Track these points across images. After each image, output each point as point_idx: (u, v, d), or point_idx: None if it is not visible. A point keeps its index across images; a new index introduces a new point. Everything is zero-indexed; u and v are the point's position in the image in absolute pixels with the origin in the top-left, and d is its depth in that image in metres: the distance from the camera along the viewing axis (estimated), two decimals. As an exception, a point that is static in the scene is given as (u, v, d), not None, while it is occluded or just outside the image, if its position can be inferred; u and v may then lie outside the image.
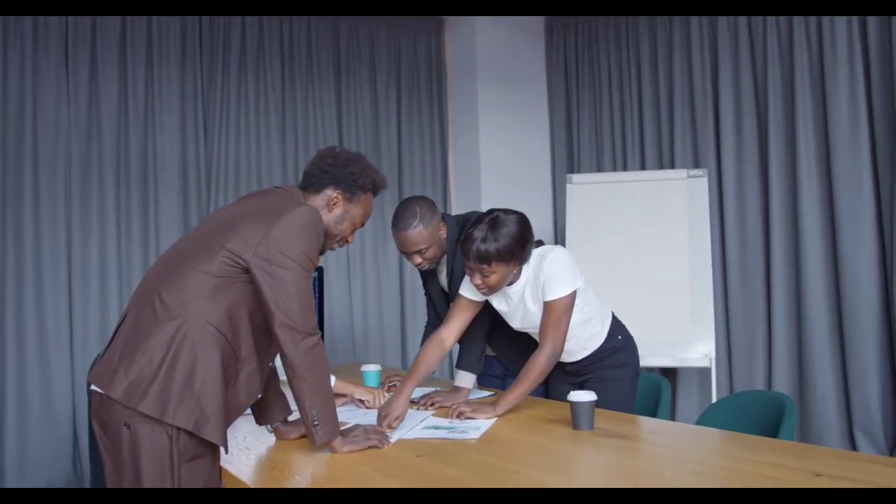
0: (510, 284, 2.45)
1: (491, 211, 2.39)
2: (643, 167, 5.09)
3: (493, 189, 5.34)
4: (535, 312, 2.45)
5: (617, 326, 2.66)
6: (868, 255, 3.95)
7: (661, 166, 4.97)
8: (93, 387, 1.74)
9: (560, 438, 2.07)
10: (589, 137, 5.47)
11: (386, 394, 2.65)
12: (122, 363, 1.68)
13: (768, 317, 4.41)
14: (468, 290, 2.54)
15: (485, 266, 2.30)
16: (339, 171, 2.00)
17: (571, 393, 2.16)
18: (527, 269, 2.44)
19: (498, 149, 5.46)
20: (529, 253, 2.41)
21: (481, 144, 5.40)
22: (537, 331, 2.51)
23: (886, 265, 3.90)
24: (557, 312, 2.38)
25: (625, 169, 5.21)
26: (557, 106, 5.70)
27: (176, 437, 1.66)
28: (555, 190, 5.71)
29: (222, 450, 1.79)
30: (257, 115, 4.95)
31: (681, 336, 4.25)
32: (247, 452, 2.02)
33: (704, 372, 4.61)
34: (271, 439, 2.14)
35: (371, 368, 3.04)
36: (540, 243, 2.51)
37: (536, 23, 5.78)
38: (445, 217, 2.76)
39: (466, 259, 2.33)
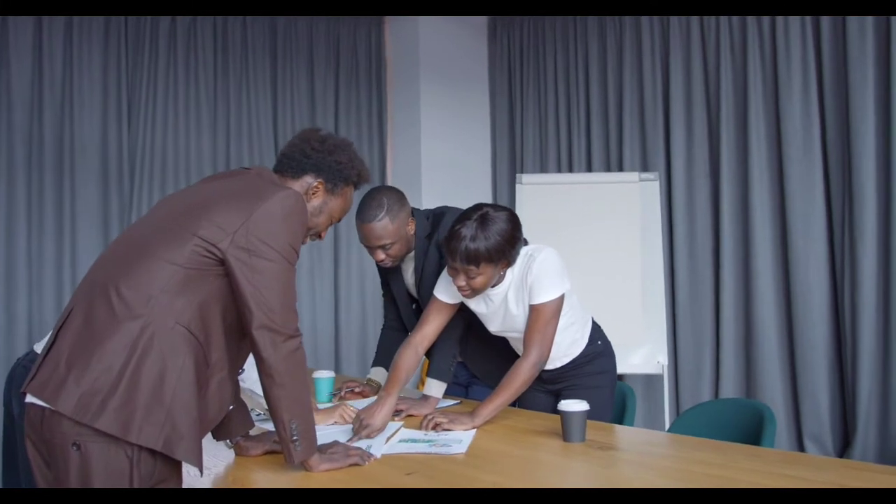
0: (493, 286, 2.26)
1: (479, 206, 2.17)
2: (589, 168, 5.01)
3: (434, 187, 5.18)
4: (518, 316, 2.27)
5: (596, 331, 2.50)
6: (819, 261, 3.96)
7: (608, 168, 4.90)
8: (31, 399, 1.43)
9: (553, 452, 1.90)
10: (533, 137, 5.36)
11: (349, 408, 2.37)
12: (71, 371, 1.39)
13: (716, 324, 4.38)
14: (443, 293, 2.33)
15: (472, 267, 2.09)
16: (323, 157, 1.75)
17: (562, 402, 1.99)
18: (512, 270, 2.25)
19: (440, 147, 5.31)
20: (518, 253, 2.22)
21: (423, 142, 5.23)
22: (516, 335, 2.33)
23: (836, 271, 3.92)
24: (545, 317, 2.20)
25: (570, 170, 5.12)
26: (500, 105, 5.59)
27: (137, 459, 1.38)
28: (495, 190, 5.59)
29: (187, 471, 1.52)
30: (187, 103, 4.62)
31: (632, 342, 4.15)
32: (205, 472, 1.74)
33: (651, 379, 4.55)
34: (231, 456, 1.87)
35: (323, 375, 2.76)
36: (525, 242, 2.33)
37: (480, 20, 5.66)
38: (414, 211, 2.54)
39: (452, 259, 2.11)
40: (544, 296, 2.18)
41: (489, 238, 2.08)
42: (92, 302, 1.47)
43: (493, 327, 2.37)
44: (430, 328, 2.34)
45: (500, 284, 2.26)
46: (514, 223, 2.16)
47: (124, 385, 1.38)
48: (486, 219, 2.10)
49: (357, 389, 2.73)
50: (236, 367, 1.64)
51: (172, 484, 1.49)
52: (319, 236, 1.84)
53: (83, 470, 1.36)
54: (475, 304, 2.34)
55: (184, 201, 1.62)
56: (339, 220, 1.87)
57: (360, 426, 2.02)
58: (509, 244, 2.13)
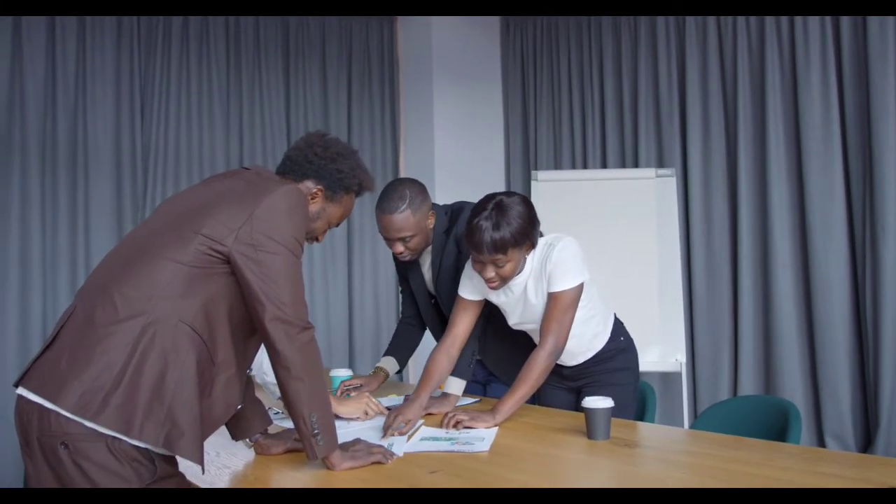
0: None
1: (490, 196, 2.16)
2: (604, 165, 4.96)
3: (447, 185, 5.14)
4: (537, 306, 2.25)
5: (619, 327, 2.47)
6: (839, 257, 3.90)
7: (623, 165, 4.85)
8: (28, 394, 1.40)
9: (579, 449, 1.86)
10: (547, 134, 5.33)
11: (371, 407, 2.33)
12: (72, 368, 1.37)
13: (735, 321, 4.32)
14: (467, 291, 2.32)
15: (500, 256, 2.08)
16: (325, 164, 1.74)
17: (586, 399, 1.95)
18: (531, 259, 2.23)
19: (453, 145, 5.29)
20: (538, 234, 2.21)
21: (436, 141, 5.20)
22: (535, 327, 2.30)
23: (857, 268, 3.87)
24: (563, 305, 2.17)
25: (585, 167, 5.08)
26: (513, 103, 5.56)
27: (132, 458, 1.37)
28: (509, 187, 5.56)
29: (209, 470, 1.49)
30: (200, 101, 4.60)
31: (649, 340, 4.10)
32: (226, 471, 1.71)
33: (669, 377, 4.50)
34: (250, 455, 1.84)
35: (340, 373, 2.73)
36: (540, 234, 2.31)
37: (493, 19, 5.64)
38: (433, 206, 2.51)
39: (479, 252, 2.09)
40: (563, 284, 2.16)
41: (511, 223, 2.07)
42: (94, 301, 1.45)
43: (513, 319, 2.35)
44: (459, 329, 2.33)
45: (520, 274, 2.23)
46: (529, 205, 2.16)
47: (126, 382, 1.37)
48: (502, 206, 2.09)
49: (355, 386, 2.63)
50: (244, 367, 1.63)
51: (174, 482, 1.47)
52: (317, 239, 1.83)
53: (74, 471, 1.35)
54: (496, 297, 2.32)
55: (186, 202, 1.61)
56: (337, 226, 1.86)
57: (394, 419, 2.03)
58: (530, 225, 2.13)
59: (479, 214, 2.09)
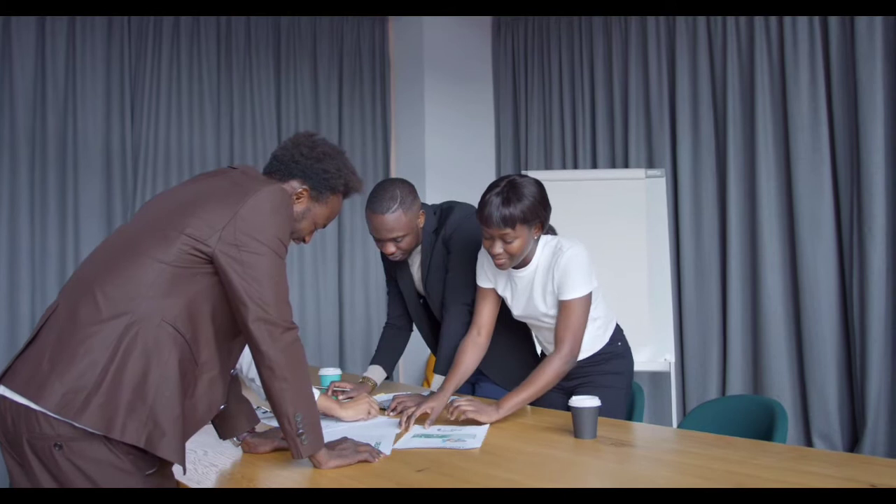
0: (519, 267, 2.27)
1: (505, 176, 2.22)
2: (595, 166, 4.98)
3: (438, 185, 5.17)
4: (539, 303, 2.29)
5: (618, 333, 2.51)
6: (827, 257, 3.94)
7: (613, 165, 4.87)
8: (10, 394, 1.39)
9: (566, 448, 1.87)
10: (537, 135, 5.35)
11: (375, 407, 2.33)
12: (54, 367, 1.37)
13: (724, 321, 4.35)
14: (483, 280, 2.38)
15: (508, 231, 2.12)
16: (311, 164, 1.73)
17: (573, 398, 1.96)
18: (539, 254, 2.27)
19: (444, 145, 5.30)
20: (549, 216, 2.25)
21: (427, 140, 5.21)
22: (537, 323, 2.37)
23: (845, 268, 3.90)
24: (575, 312, 2.22)
25: (575, 167, 5.10)
26: (504, 103, 5.58)
27: (124, 454, 1.38)
28: (500, 188, 5.56)
29: (178, 470, 1.50)
30: (190, 101, 4.60)
31: (638, 340, 4.11)
32: (213, 470, 1.71)
33: (658, 376, 4.52)
34: (237, 454, 1.84)
35: (330, 372, 2.73)
36: (552, 230, 2.32)
37: (484, 19, 5.66)
38: (423, 206, 2.52)
39: (488, 226, 2.13)
40: (573, 292, 2.21)
41: (522, 200, 2.12)
42: (78, 300, 1.45)
43: (517, 311, 2.39)
44: (483, 318, 2.38)
45: (526, 267, 2.28)
46: (542, 187, 2.22)
47: (108, 382, 1.36)
48: (514, 184, 2.16)
49: (343, 389, 2.61)
50: (228, 367, 1.62)
51: (164, 477, 1.48)
52: (303, 240, 1.82)
53: (72, 471, 1.35)
54: (502, 289, 2.37)
55: (171, 201, 1.61)
56: (324, 227, 1.85)
57: (418, 408, 2.09)
58: (541, 204, 2.18)
59: (492, 190, 2.16)
